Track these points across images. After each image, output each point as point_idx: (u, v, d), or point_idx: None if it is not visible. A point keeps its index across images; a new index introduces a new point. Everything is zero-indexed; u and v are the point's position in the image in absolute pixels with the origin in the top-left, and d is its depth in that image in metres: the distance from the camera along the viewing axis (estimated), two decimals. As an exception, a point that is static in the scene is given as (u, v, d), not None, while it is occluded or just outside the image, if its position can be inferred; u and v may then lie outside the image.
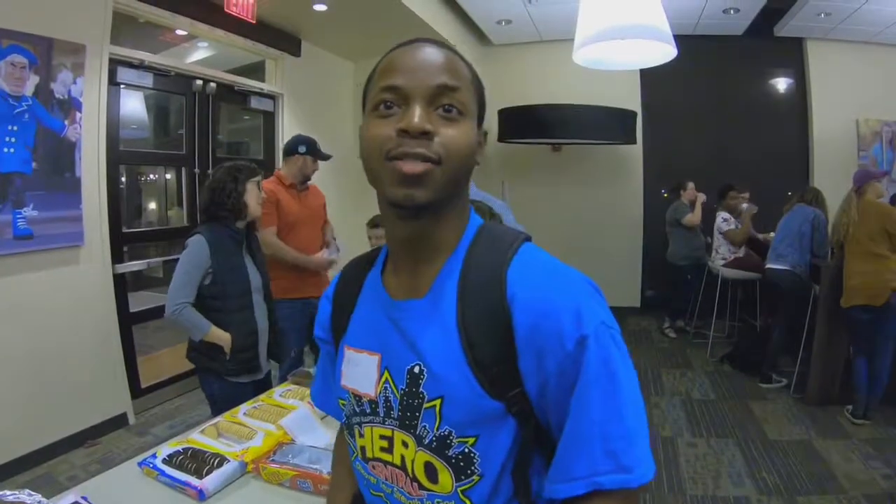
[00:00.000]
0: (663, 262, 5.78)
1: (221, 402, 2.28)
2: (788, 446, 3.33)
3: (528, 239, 0.76)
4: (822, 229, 4.11)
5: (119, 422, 3.70)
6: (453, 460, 0.70)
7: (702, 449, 3.33)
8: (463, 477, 0.70)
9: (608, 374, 0.64)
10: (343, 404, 0.83)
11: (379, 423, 0.76)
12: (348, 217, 4.42)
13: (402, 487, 0.75)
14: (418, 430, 0.72)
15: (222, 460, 1.49)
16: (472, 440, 0.69)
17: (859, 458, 3.16)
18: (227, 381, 2.36)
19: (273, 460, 1.50)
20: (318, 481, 1.41)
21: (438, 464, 0.71)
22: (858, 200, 3.66)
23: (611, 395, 0.64)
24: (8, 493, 1.02)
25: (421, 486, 0.73)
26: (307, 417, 1.76)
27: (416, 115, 0.68)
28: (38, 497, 1.04)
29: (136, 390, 3.92)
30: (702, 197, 5.48)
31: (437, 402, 0.70)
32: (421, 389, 0.71)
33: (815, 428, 3.57)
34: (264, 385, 2.51)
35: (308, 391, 1.98)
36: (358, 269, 0.88)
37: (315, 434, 1.69)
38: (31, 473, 3.09)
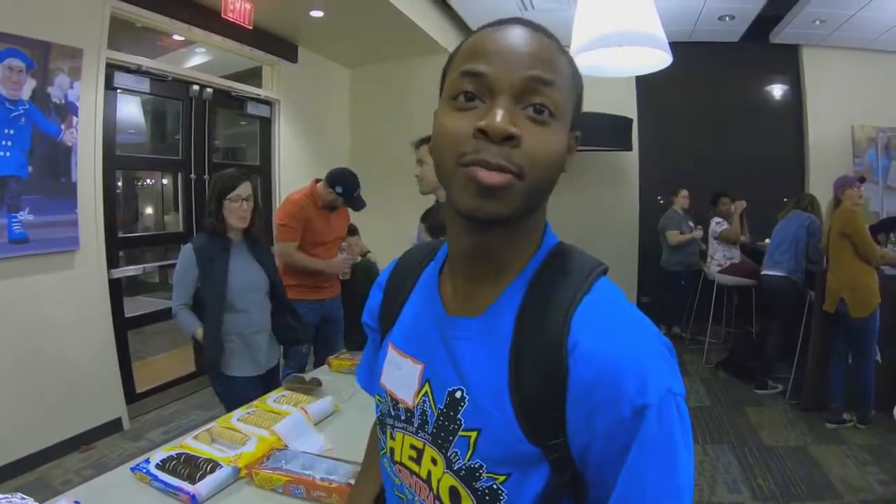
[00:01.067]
0: (659, 268, 5.80)
1: (227, 398, 2.40)
2: (784, 452, 3.33)
3: (605, 272, 0.68)
4: (818, 235, 4.13)
5: (114, 427, 3.69)
6: (479, 492, 0.64)
7: (697, 455, 3.32)
8: None
9: (668, 451, 0.57)
10: (380, 401, 0.78)
11: (412, 432, 0.71)
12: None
13: (424, 500, 0.71)
14: (450, 453, 0.66)
15: (215, 466, 1.49)
16: (502, 478, 0.63)
17: (855, 464, 3.16)
18: (226, 376, 2.42)
19: (266, 466, 1.50)
20: (310, 487, 1.41)
21: (464, 492, 0.65)
22: (835, 208, 3.74)
23: (669, 472, 0.57)
24: (0, 496, 1.01)
25: None
26: (301, 423, 1.76)
27: (499, 114, 0.58)
28: (31, 501, 1.04)
29: (131, 395, 3.91)
30: (698, 233, 5.57)
31: (474, 433, 0.64)
32: (459, 416, 0.65)
33: (810, 434, 3.57)
34: (270, 380, 2.56)
35: (301, 397, 2.00)
36: (416, 262, 0.81)
37: (308, 440, 1.70)
38: (25, 478, 3.08)
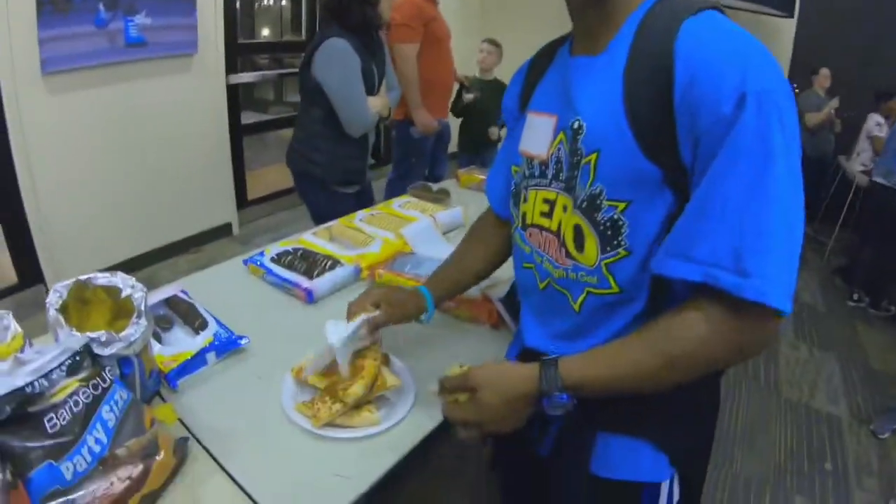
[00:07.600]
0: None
1: (324, 212, 2.10)
2: (889, 379, 3.05)
3: (718, 8, 0.67)
4: None
5: (223, 231, 3.84)
6: (601, 226, 0.69)
7: (803, 355, 3.15)
8: (609, 248, 0.69)
9: (763, 151, 0.56)
10: (516, 171, 0.88)
11: (545, 185, 0.78)
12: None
13: (551, 256, 0.77)
14: (576, 189, 0.72)
15: (335, 263, 1.43)
16: (622, 205, 0.67)
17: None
18: (330, 190, 2.18)
19: (391, 268, 1.42)
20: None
21: (586, 228, 0.70)
22: None
23: (759, 176, 0.56)
24: (100, 275, 0.97)
25: (568, 255, 0.74)
26: (429, 230, 1.67)
27: None
28: (132, 281, 0.99)
29: (242, 202, 4.02)
30: (835, 102, 4.78)
31: (593, 157, 0.69)
32: (579, 145, 0.71)
33: (921, 366, 3.24)
34: (366, 197, 2.34)
35: (428, 205, 1.91)
36: (551, 46, 0.89)
37: (436, 247, 1.58)
38: (134, 276, 3.24)
